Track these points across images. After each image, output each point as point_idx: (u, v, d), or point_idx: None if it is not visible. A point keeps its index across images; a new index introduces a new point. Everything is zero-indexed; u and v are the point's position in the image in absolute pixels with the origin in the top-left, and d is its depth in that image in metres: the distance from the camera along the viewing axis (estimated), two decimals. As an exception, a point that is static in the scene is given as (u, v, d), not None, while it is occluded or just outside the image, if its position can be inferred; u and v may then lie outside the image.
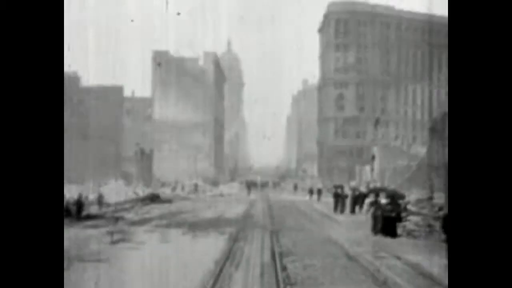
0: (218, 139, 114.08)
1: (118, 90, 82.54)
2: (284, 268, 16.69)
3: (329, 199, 48.39)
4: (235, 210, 41.49)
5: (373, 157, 69.54)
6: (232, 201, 53.34)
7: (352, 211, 38.17)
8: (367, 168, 74.32)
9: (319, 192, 56.02)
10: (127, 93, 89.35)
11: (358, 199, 38.17)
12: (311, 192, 57.42)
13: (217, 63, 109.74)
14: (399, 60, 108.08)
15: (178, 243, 23.43)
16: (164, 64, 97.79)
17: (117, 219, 33.08)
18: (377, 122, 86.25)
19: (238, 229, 28.30)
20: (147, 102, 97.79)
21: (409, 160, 73.35)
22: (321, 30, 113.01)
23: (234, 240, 23.86)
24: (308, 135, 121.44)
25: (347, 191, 40.93)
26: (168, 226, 29.88)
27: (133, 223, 31.28)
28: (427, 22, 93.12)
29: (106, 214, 36.36)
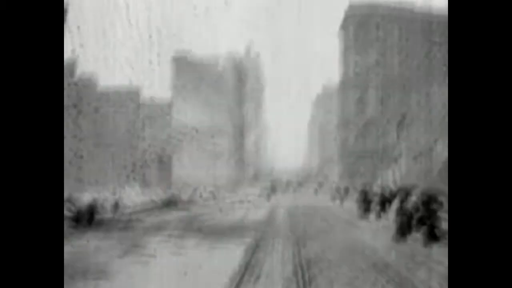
0: (238, 144, 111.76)
1: (135, 95, 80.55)
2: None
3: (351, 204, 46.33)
4: (254, 217, 39.35)
5: (397, 158, 67.13)
6: (251, 208, 50.89)
7: (378, 216, 35.92)
8: (390, 171, 71.93)
9: (341, 197, 54.04)
10: (145, 97, 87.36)
11: (385, 202, 35.95)
12: (333, 197, 54.89)
13: (236, 68, 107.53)
14: (421, 62, 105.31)
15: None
16: (183, 69, 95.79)
17: (129, 227, 31.14)
18: (401, 122, 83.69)
19: (257, 239, 26.12)
20: (166, 108, 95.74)
21: (434, 161, 70.91)
22: (340, 33, 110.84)
23: (252, 251, 21.76)
24: (328, 139, 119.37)
25: (373, 195, 38.75)
26: (182, 235, 27.77)
27: (147, 231, 29.30)
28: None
29: (120, 222, 34.45)
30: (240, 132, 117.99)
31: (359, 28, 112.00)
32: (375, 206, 36.28)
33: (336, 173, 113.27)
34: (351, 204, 47.02)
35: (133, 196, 52.01)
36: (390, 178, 67.24)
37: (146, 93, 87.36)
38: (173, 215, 40.52)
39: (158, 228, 30.97)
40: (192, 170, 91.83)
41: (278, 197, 67.43)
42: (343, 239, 25.94)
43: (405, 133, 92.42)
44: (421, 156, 75.49)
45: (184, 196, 62.84)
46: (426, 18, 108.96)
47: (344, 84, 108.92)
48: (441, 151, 75.82)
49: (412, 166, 72.73)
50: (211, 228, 31.41)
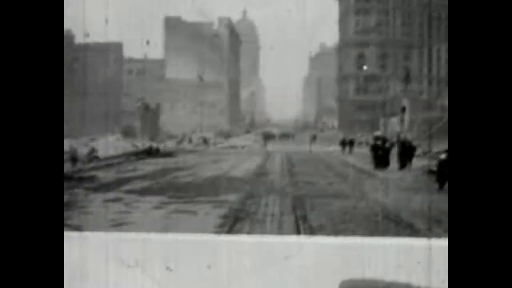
0: (234, 97, 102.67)
1: (118, 46, 70.66)
2: None
3: (361, 150, 37.69)
4: (246, 165, 30.49)
5: (403, 109, 58.67)
6: (244, 154, 41.85)
7: (403, 165, 27.23)
8: (394, 119, 63.50)
9: (351, 143, 44.69)
10: (138, 56, 78.49)
11: (407, 152, 27.32)
12: (343, 143, 45.80)
13: (231, 27, 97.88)
14: (422, 22, 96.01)
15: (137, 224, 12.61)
16: (177, 29, 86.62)
17: (82, 180, 22.39)
18: (407, 75, 75.03)
19: (244, 197, 17.46)
20: (159, 64, 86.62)
21: (438, 112, 62.54)
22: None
23: (234, 219, 13.08)
24: (326, 92, 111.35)
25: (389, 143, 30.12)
26: (144, 191, 19.07)
27: (99, 187, 20.50)
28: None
29: (78, 173, 25.84)
30: (236, 85, 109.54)
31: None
32: (400, 156, 27.77)
33: (335, 121, 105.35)
34: (361, 151, 38.59)
35: (112, 144, 43.32)
36: (396, 129, 59.00)
37: (138, 51, 78.80)
38: (151, 164, 31.76)
39: (118, 183, 22.17)
40: (187, 120, 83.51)
41: (275, 144, 57.86)
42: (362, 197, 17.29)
43: (410, 87, 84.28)
44: (425, 109, 67.83)
45: (171, 143, 53.95)
46: None
47: (344, 42, 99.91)
48: (442, 104, 67.90)
49: (415, 119, 64.53)
50: (187, 182, 22.76)
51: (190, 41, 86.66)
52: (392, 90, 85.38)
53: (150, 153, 39.65)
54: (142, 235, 9.08)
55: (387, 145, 28.58)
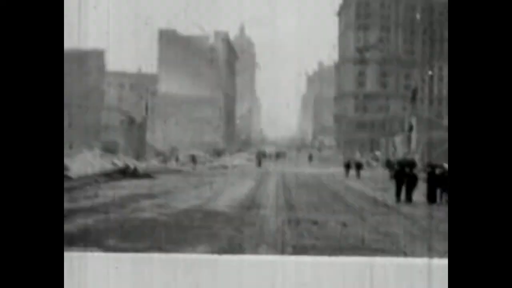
0: (229, 113, 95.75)
1: (99, 54, 62.63)
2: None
3: (368, 174, 31.04)
4: (234, 192, 23.55)
5: (410, 128, 51.94)
6: (236, 175, 34.27)
7: (432, 199, 20.06)
8: (397, 139, 56.87)
9: (359, 166, 35.87)
10: (132, 70, 71.79)
11: (444, 181, 19.80)
12: (347, 166, 37.79)
13: (227, 41, 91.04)
14: (424, 40, 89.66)
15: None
16: (172, 43, 79.81)
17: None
18: (414, 92, 68.41)
19: (220, 251, 10.70)
20: (152, 78, 79.64)
21: (444, 132, 56.00)
22: (340, 13, 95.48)
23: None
24: (323, 111, 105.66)
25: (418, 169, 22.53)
26: (76, 237, 12.21)
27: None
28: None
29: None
30: (231, 102, 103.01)
31: (361, 6, 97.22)
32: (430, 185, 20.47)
33: (332, 140, 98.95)
34: (368, 174, 31.80)
35: (90, 161, 36.46)
36: (399, 149, 52.57)
37: (132, 65, 72.45)
38: (116, 188, 24.73)
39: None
40: (180, 136, 76.89)
41: (270, 163, 50.48)
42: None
43: (416, 105, 78.38)
44: (430, 129, 61.75)
45: (155, 161, 46.77)
46: None
47: (344, 59, 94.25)
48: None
49: (422, 139, 58.02)
50: (149, 219, 15.80)
51: (185, 55, 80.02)
52: (393, 109, 78.89)
53: (126, 173, 32.54)
54: (142, 255, 10.14)
55: (415, 171, 21.25)
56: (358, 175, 32.83)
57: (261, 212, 17.34)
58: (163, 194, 22.00)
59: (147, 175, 31.94)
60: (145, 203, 18.96)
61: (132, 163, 37.53)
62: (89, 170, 32.73)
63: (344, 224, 15.16)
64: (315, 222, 15.32)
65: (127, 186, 25.31)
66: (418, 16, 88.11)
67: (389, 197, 21.61)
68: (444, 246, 11.84)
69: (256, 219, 15.68)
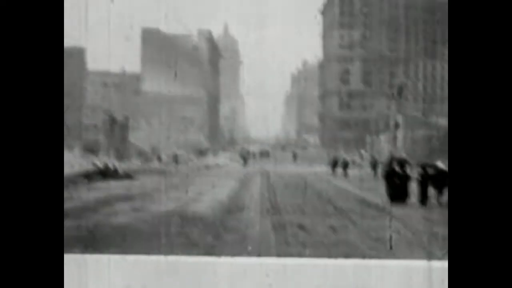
0: (213, 112, 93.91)
1: (79, 52, 60.66)
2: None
3: (353, 172, 29.80)
4: (217, 193, 22.21)
5: (396, 125, 50.54)
6: (218, 175, 32.92)
7: (424, 201, 18.81)
8: (382, 137, 55.65)
9: (345, 165, 34.50)
10: (115, 69, 69.76)
11: (438, 181, 18.50)
12: (334, 164, 37.91)
13: (211, 40, 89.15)
14: (408, 38, 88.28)
15: None
16: (155, 41, 77.69)
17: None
18: (400, 89, 66.81)
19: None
20: (135, 77, 77.54)
21: (430, 130, 54.80)
22: (324, 11, 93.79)
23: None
24: (308, 109, 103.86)
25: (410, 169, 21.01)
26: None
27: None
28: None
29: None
30: (215, 101, 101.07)
31: (344, 4, 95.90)
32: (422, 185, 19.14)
33: (317, 139, 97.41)
34: (355, 172, 30.55)
35: (68, 161, 34.94)
36: (385, 148, 51.26)
37: (116, 64, 70.41)
38: (93, 191, 23.34)
39: None
40: (161, 135, 74.88)
41: (254, 163, 49.09)
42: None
43: (402, 103, 76.99)
44: (419, 127, 60.44)
45: (137, 161, 45.20)
46: None
47: (328, 57, 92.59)
48: (437, 122, 60.41)
49: (409, 137, 56.69)
50: (122, 224, 14.47)
51: (168, 53, 78.34)
52: (377, 107, 77.74)
53: (106, 174, 31.03)
54: (144, 257, 9.90)
55: (407, 170, 19.86)
56: (345, 174, 31.56)
57: (244, 215, 16.04)
58: (141, 196, 20.61)
59: (127, 176, 30.48)
60: (121, 206, 17.59)
61: (112, 163, 36.00)
62: (68, 171, 31.24)
63: (333, 229, 13.92)
64: (301, 227, 14.06)
65: (105, 188, 23.91)
66: (436, 17, 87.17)
67: (379, 197, 20.42)
68: (442, 251, 10.70)
69: (238, 224, 14.38)
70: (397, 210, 17.29)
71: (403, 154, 43.63)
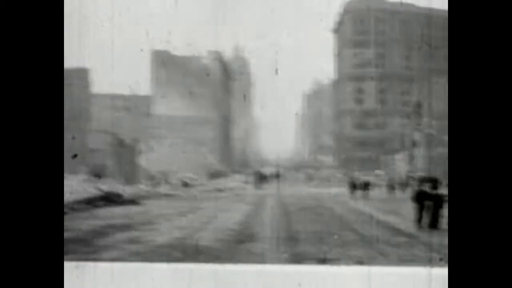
0: (226, 134, 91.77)
1: (83, 73, 57.98)
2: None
3: (371, 194, 27.51)
4: (226, 219, 19.85)
5: (414, 143, 48.15)
6: (229, 199, 30.23)
7: (433, 223, 16.26)
8: (398, 156, 53.30)
9: (366, 186, 31.62)
10: (124, 91, 68.20)
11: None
12: (353, 185, 33.31)
13: (222, 61, 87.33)
14: (422, 56, 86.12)
15: None
16: (165, 62, 76.12)
17: None
18: (418, 106, 64.25)
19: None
20: (146, 100, 75.75)
21: (445, 148, 52.21)
22: (336, 29, 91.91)
23: None
24: (321, 129, 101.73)
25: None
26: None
27: None
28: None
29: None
30: (227, 122, 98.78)
31: (357, 22, 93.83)
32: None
33: (331, 159, 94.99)
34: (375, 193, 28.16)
35: (73, 187, 32.80)
36: (401, 167, 49.09)
37: (124, 85, 68.80)
38: (90, 219, 20.98)
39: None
40: (172, 158, 72.86)
41: (267, 185, 46.41)
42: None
43: (420, 121, 74.67)
44: (435, 145, 58.18)
45: (144, 186, 42.87)
46: (428, 14, 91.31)
47: (341, 76, 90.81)
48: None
49: (428, 156, 54.39)
50: (111, 258, 12.21)
51: (178, 75, 76.69)
52: (392, 126, 75.44)
53: (109, 199, 28.74)
54: (148, 265, 9.59)
55: (439, 191, 17.07)
56: (365, 195, 28.95)
57: (255, 246, 13.72)
58: (142, 224, 18.33)
59: (132, 201, 28.13)
60: (117, 237, 15.28)
61: (117, 188, 33.67)
62: (70, 197, 29.08)
63: (360, 263, 11.59)
64: (322, 261, 11.75)
65: (105, 216, 21.61)
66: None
67: (405, 222, 18.07)
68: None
69: (248, 258, 12.06)
70: (430, 237, 14.90)
71: (421, 174, 41.38)
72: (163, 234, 15.78)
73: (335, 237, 15.03)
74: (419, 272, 9.90)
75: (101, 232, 16.32)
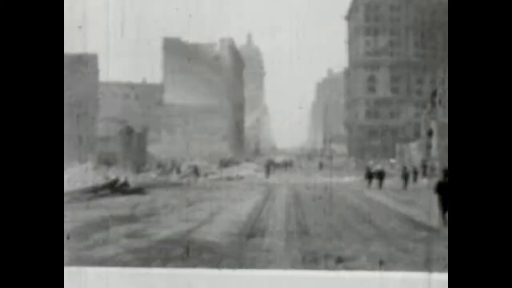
0: (238, 122, 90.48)
1: (93, 58, 55.93)
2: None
3: (385, 182, 26.17)
4: (236, 210, 18.54)
5: (430, 133, 46.50)
6: (241, 188, 28.74)
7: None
8: (413, 145, 51.85)
9: (380, 176, 28.57)
10: (137, 80, 66.90)
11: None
12: (369, 175, 32.53)
13: (233, 49, 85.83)
14: (436, 43, 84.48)
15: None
16: (177, 51, 74.80)
17: None
18: (434, 94, 62.64)
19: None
20: (157, 88, 74.61)
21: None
22: (348, 16, 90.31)
23: None
24: (334, 118, 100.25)
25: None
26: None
27: None
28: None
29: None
30: (239, 111, 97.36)
31: (370, 10, 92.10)
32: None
33: (344, 148, 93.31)
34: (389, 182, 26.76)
35: (80, 175, 31.51)
36: (416, 156, 47.70)
37: (138, 76, 67.80)
38: (93, 209, 19.66)
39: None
40: (184, 146, 71.47)
41: (279, 173, 44.85)
42: None
43: (436, 109, 72.85)
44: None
45: (153, 174, 41.49)
46: (442, 1, 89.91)
47: (354, 64, 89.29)
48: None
49: (442, 145, 52.81)
50: (104, 257, 10.87)
51: (190, 63, 75.09)
52: (405, 114, 73.65)
53: (114, 188, 27.38)
54: (144, 270, 9.30)
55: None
56: (380, 185, 27.37)
57: (265, 242, 12.38)
58: (146, 215, 17.03)
59: (138, 190, 26.72)
60: (117, 230, 13.98)
61: (124, 176, 32.19)
62: (78, 185, 27.91)
63: (381, 262, 10.26)
64: (339, 260, 10.41)
65: (109, 205, 20.25)
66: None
67: (422, 213, 16.70)
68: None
69: (257, 256, 10.71)
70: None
71: (436, 163, 39.99)
72: (166, 228, 14.49)
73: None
74: (419, 277, 9.58)
75: (102, 224, 15.05)
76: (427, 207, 17.33)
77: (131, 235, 13.27)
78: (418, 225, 14.77)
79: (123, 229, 14.25)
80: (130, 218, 16.34)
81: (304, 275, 9.41)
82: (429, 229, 14.03)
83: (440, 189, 14.81)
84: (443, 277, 9.25)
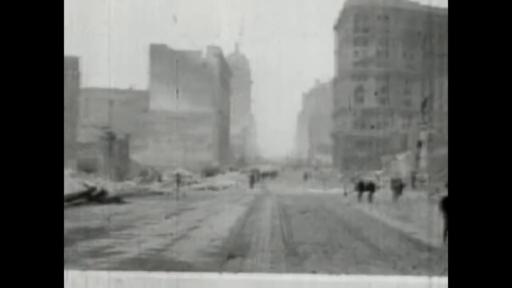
0: (223, 131, 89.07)
1: (73, 61, 53.57)
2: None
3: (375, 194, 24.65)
4: (216, 224, 16.79)
5: (419, 144, 45.27)
6: (224, 199, 26.67)
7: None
8: (400, 157, 50.52)
9: (371, 188, 26.41)
10: (123, 87, 65.54)
11: None
12: (361, 187, 29.17)
13: (221, 57, 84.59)
14: (425, 54, 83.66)
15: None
16: (163, 58, 73.40)
17: None
18: (424, 103, 61.36)
19: None
20: (143, 95, 73.07)
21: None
22: (337, 26, 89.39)
23: None
24: (320, 128, 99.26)
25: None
26: None
27: None
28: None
29: None
30: (225, 119, 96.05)
31: (359, 20, 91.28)
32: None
33: (329, 158, 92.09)
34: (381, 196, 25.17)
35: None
36: (403, 168, 46.52)
37: (123, 81, 66.31)
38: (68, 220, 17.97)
39: None
40: (170, 155, 69.94)
41: (264, 184, 43.10)
42: None
43: (426, 119, 71.88)
44: (439, 145, 55.72)
45: (132, 183, 39.61)
46: (432, 12, 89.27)
47: (342, 74, 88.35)
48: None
49: (434, 155, 51.65)
50: None
51: (177, 70, 73.61)
52: (393, 125, 72.49)
53: (91, 197, 25.48)
54: (144, 274, 8.95)
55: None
56: (370, 198, 25.65)
57: (247, 263, 10.68)
58: (119, 229, 15.27)
59: (116, 199, 24.87)
60: (81, 247, 12.26)
61: (104, 184, 30.17)
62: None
63: (382, 292, 8.63)
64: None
65: (80, 216, 18.47)
66: None
67: (419, 229, 15.15)
68: None
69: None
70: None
71: (425, 175, 38.70)
72: (138, 244, 12.74)
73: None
74: (420, 281, 9.50)
75: (67, 238, 13.26)
76: (422, 223, 15.89)
77: (95, 254, 11.51)
78: (418, 245, 13.16)
79: (88, 246, 12.49)
80: (100, 232, 14.56)
81: (300, 280, 9.21)
82: (430, 249, 12.42)
83: (445, 205, 13.21)
84: (443, 281, 9.19)
